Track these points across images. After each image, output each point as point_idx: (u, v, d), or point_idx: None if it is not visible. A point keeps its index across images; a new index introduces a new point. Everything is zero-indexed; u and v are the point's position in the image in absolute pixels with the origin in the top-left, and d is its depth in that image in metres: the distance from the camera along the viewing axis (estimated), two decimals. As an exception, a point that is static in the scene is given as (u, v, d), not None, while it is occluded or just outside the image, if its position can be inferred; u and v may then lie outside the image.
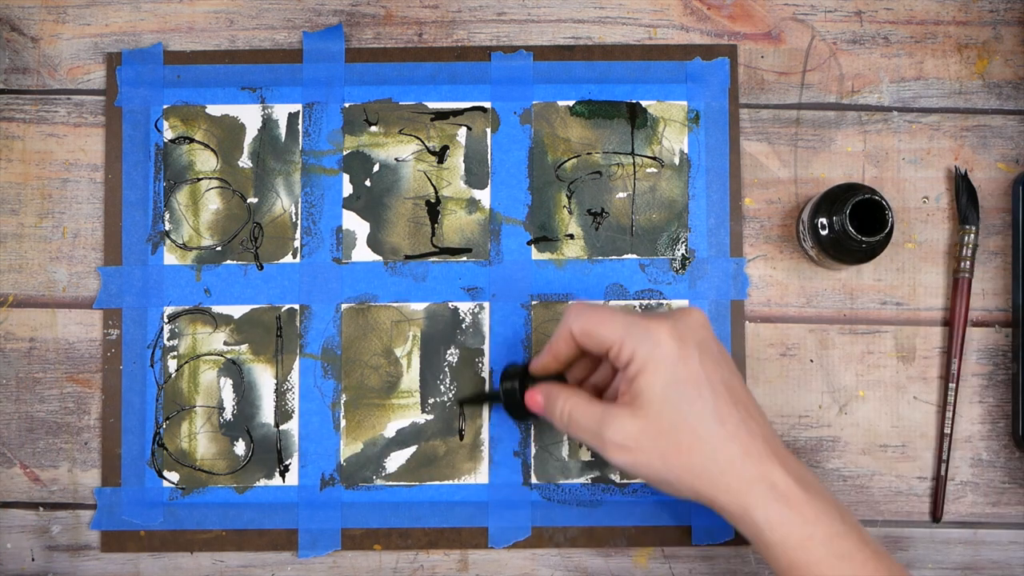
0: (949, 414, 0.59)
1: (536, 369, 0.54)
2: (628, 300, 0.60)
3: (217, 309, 0.60)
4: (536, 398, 0.52)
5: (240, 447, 0.60)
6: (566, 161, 0.61)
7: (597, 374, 0.55)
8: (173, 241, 0.61)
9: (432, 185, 0.61)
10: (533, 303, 0.60)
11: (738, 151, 0.61)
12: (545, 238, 0.61)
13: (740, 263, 0.60)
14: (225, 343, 0.60)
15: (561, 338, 0.51)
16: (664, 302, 0.60)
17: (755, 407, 0.49)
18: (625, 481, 0.60)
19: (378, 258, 0.61)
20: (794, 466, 0.47)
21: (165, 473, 0.60)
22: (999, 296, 0.61)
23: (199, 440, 0.60)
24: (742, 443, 0.47)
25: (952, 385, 0.59)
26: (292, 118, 0.61)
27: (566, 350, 0.52)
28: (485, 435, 0.60)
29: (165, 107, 0.61)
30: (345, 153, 0.61)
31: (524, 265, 0.60)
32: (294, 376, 0.60)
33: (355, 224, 0.61)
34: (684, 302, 0.60)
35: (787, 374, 0.60)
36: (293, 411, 0.60)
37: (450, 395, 0.60)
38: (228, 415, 0.60)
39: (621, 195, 0.61)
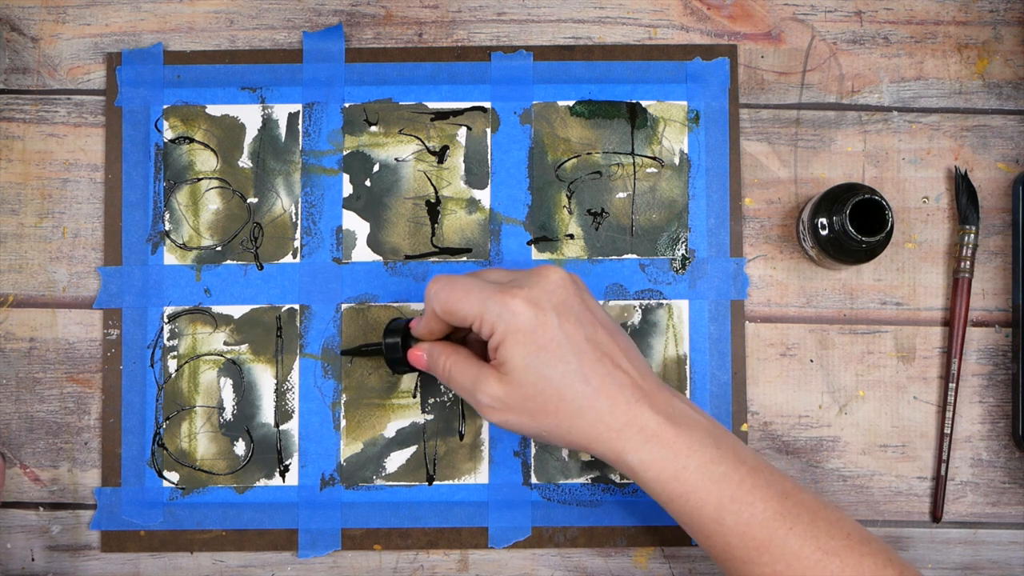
0: (949, 414, 0.59)
1: (417, 335, 0.55)
2: (628, 300, 0.60)
3: (217, 309, 0.60)
4: (418, 355, 0.54)
5: (240, 447, 0.60)
6: (566, 161, 0.61)
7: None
8: (173, 241, 0.61)
9: (432, 185, 0.61)
10: (533, 303, 0.60)
11: (738, 151, 0.61)
12: (545, 238, 0.61)
13: (740, 263, 0.60)
14: (225, 343, 0.60)
15: (429, 317, 0.53)
16: (664, 302, 0.60)
17: (622, 353, 0.50)
18: (625, 481, 0.60)
19: (378, 258, 0.61)
20: (664, 404, 0.49)
21: (165, 473, 0.60)
22: (999, 296, 0.61)
23: (199, 440, 0.60)
24: (609, 396, 0.49)
25: (952, 385, 0.59)
26: (292, 118, 0.61)
27: (438, 326, 0.53)
28: (485, 435, 0.60)
29: (165, 107, 0.61)
30: (345, 153, 0.61)
31: (524, 265, 0.60)
32: (294, 376, 0.60)
33: (355, 224, 0.61)
34: (684, 302, 0.60)
35: (787, 374, 0.60)
36: (293, 411, 0.60)
37: (450, 395, 0.60)
38: (228, 415, 0.60)
39: (621, 195, 0.61)
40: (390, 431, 0.60)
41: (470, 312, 0.50)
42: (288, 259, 0.61)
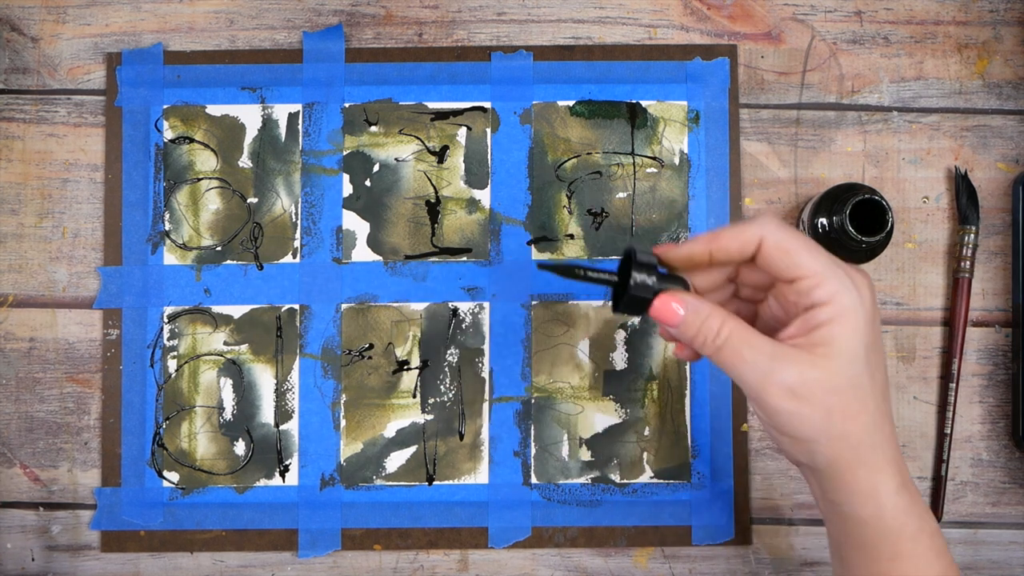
0: (949, 414, 0.59)
1: (671, 255, 0.45)
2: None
3: (217, 309, 0.60)
4: (674, 307, 0.44)
5: (240, 447, 0.60)
6: (566, 161, 0.61)
7: (717, 294, 0.48)
8: (173, 241, 0.61)
9: (432, 185, 0.61)
10: (533, 303, 0.60)
11: (738, 151, 0.61)
12: (545, 238, 0.61)
13: (740, 263, 0.60)
14: (225, 343, 0.60)
15: (740, 236, 0.43)
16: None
17: (887, 384, 0.46)
18: (625, 481, 0.60)
19: (378, 258, 0.61)
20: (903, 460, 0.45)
21: (165, 473, 0.60)
22: (999, 296, 0.61)
23: (199, 440, 0.60)
24: (890, 424, 0.44)
25: (952, 385, 0.59)
26: (292, 118, 0.61)
27: (734, 251, 0.44)
28: (485, 435, 0.60)
29: (165, 107, 0.61)
30: (345, 153, 0.61)
31: (524, 265, 0.60)
32: (294, 376, 0.60)
33: (355, 224, 0.61)
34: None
35: (787, 374, 0.60)
36: (293, 411, 0.60)
37: (450, 395, 0.60)
38: (228, 415, 0.60)
39: (621, 195, 0.61)
40: (390, 431, 0.60)
41: (812, 266, 0.42)
42: (288, 259, 0.61)
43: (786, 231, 0.43)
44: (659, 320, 0.44)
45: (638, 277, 0.43)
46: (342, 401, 0.60)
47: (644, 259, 0.44)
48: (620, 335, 0.60)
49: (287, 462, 0.60)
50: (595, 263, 0.60)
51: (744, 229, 0.44)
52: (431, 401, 0.60)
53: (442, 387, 0.60)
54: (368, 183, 0.61)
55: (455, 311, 0.60)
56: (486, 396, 0.60)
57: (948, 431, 0.59)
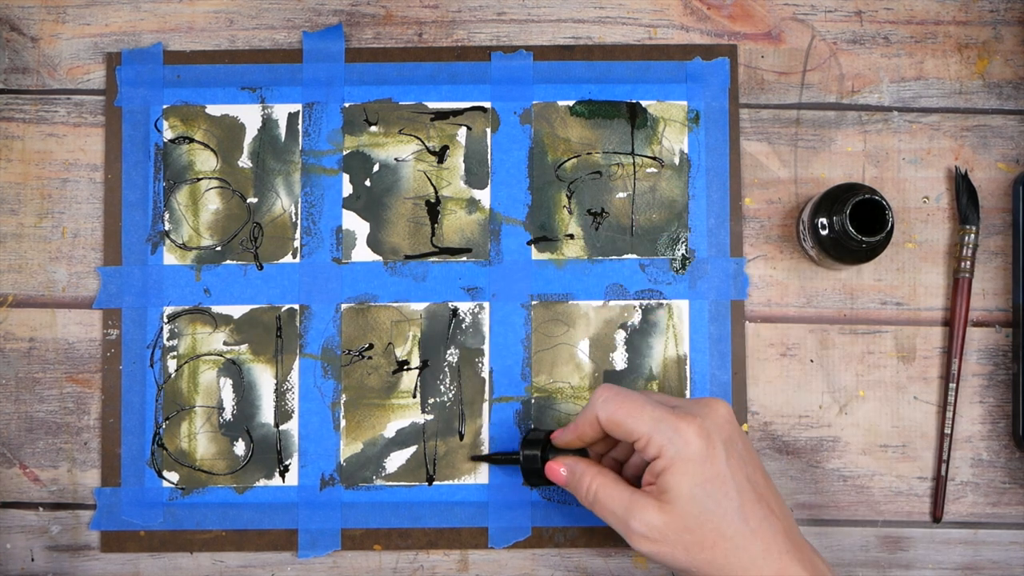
0: (949, 414, 0.59)
1: (559, 443, 0.54)
2: (628, 300, 0.60)
3: (217, 309, 0.60)
4: (558, 470, 0.54)
5: (240, 447, 0.60)
6: (566, 161, 0.61)
7: (618, 450, 0.55)
8: (173, 241, 0.61)
9: (432, 185, 0.61)
10: (533, 303, 0.60)
11: (738, 151, 0.61)
12: (545, 238, 0.61)
13: (740, 263, 0.60)
14: (225, 343, 0.60)
15: (587, 421, 0.52)
16: (664, 302, 0.60)
17: (776, 500, 0.50)
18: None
19: (378, 258, 0.61)
20: (809, 558, 0.49)
21: (165, 473, 0.60)
22: (999, 296, 0.61)
23: (199, 440, 0.60)
24: (763, 540, 0.48)
25: (952, 385, 0.59)
26: (292, 118, 0.61)
27: (591, 432, 0.52)
28: (485, 435, 0.60)
29: (165, 107, 0.61)
30: (345, 153, 0.61)
31: (524, 265, 0.60)
32: (294, 376, 0.60)
33: (355, 224, 0.61)
34: (684, 302, 0.60)
35: (787, 374, 0.60)
36: (293, 411, 0.60)
37: (450, 395, 0.60)
38: (228, 415, 0.60)
39: (621, 195, 0.61)
40: (390, 431, 0.60)
41: (639, 429, 0.49)
42: (288, 259, 0.61)
43: (614, 402, 0.50)
44: (555, 481, 0.54)
45: (526, 452, 0.56)
46: (342, 401, 0.60)
47: (533, 437, 0.56)
48: (620, 335, 0.60)
49: (287, 462, 0.60)
50: (594, 263, 0.60)
51: (587, 414, 0.52)
52: (431, 401, 0.60)
53: (442, 387, 0.60)
54: (368, 183, 0.61)
55: (455, 311, 0.60)
56: (486, 396, 0.60)
57: (948, 431, 0.59)
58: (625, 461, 0.55)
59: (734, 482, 0.48)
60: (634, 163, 0.61)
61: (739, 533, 0.48)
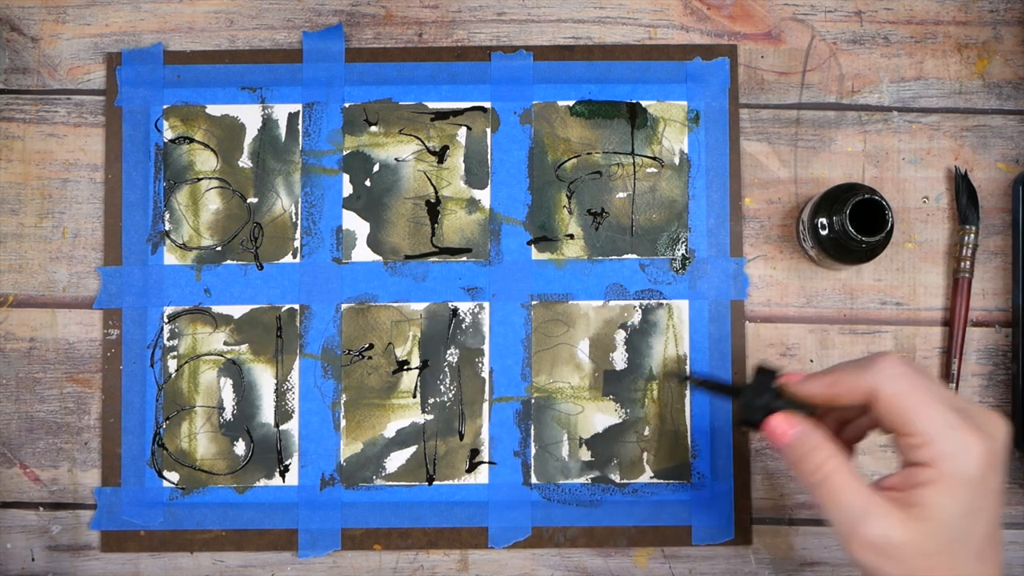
0: (949, 414, 0.59)
1: (794, 392, 0.46)
2: (628, 300, 0.60)
3: (217, 309, 0.60)
4: (787, 431, 0.45)
5: (240, 447, 0.60)
6: (566, 161, 0.61)
7: (849, 410, 0.48)
8: (173, 241, 0.61)
9: (432, 185, 0.61)
10: (533, 303, 0.60)
11: (738, 151, 0.61)
12: (545, 238, 0.61)
13: (740, 263, 0.60)
14: (225, 343, 0.60)
15: (853, 386, 0.44)
16: (664, 302, 0.60)
17: (999, 538, 0.43)
18: (625, 481, 0.60)
19: (378, 258, 0.61)
20: None
21: (165, 473, 0.60)
22: (999, 296, 0.61)
23: (199, 440, 0.60)
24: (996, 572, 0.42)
25: (952, 385, 0.59)
26: (292, 118, 0.61)
27: (848, 398, 0.44)
28: (485, 435, 0.60)
29: (165, 107, 0.61)
30: (345, 153, 0.61)
31: (524, 265, 0.60)
32: (294, 376, 0.60)
33: (355, 224, 0.61)
34: (684, 302, 0.60)
35: (787, 374, 0.60)
36: (293, 411, 0.60)
37: (450, 395, 0.60)
38: (228, 415, 0.60)
39: (621, 195, 0.61)
40: (390, 431, 0.60)
41: (924, 428, 0.41)
42: (288, 259, 0.61)
43: (904, 384, 0.42)
44: (768, 437, 0.45)
45: (748, 393, 0.46)
46: (342, 401, 0.60)
47: (759, 374, 0.47)
48: (620, 335, 0.60)
49: (287, 462, 0.60)
50: (594, 263, 0.60)
51: (859, 379, 0.43)
52: (431, 401, 0.60)
53: (442, 387, 0.60)
54: (368, 183, 0.61)
55: (455, 311, 0.60)
56: (486, 396, 0.60)
57: (948, 431, 0.59)
58: (848, 422, 0.48)
59: (993, 521, 0.42)
60: (634, 163, 0.61)
61: (970, 574, 0.42)
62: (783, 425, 0.45)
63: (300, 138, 0.61)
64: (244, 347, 0.60)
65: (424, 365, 0.60)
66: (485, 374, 0.60)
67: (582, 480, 0.60)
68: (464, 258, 0.61)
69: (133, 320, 0.60)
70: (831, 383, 0.44)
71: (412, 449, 0.60)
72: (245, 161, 0.61)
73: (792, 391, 0.46)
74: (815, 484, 0.43)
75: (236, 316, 0.60)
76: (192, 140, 0.61)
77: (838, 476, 0.43)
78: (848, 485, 0.42)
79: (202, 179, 0.61)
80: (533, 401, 0.60)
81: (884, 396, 0.42)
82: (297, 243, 0.61)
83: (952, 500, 0.41)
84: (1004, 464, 0.42)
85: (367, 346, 0.60)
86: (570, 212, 0.61)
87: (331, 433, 0.60)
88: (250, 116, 0.61)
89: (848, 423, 0.48)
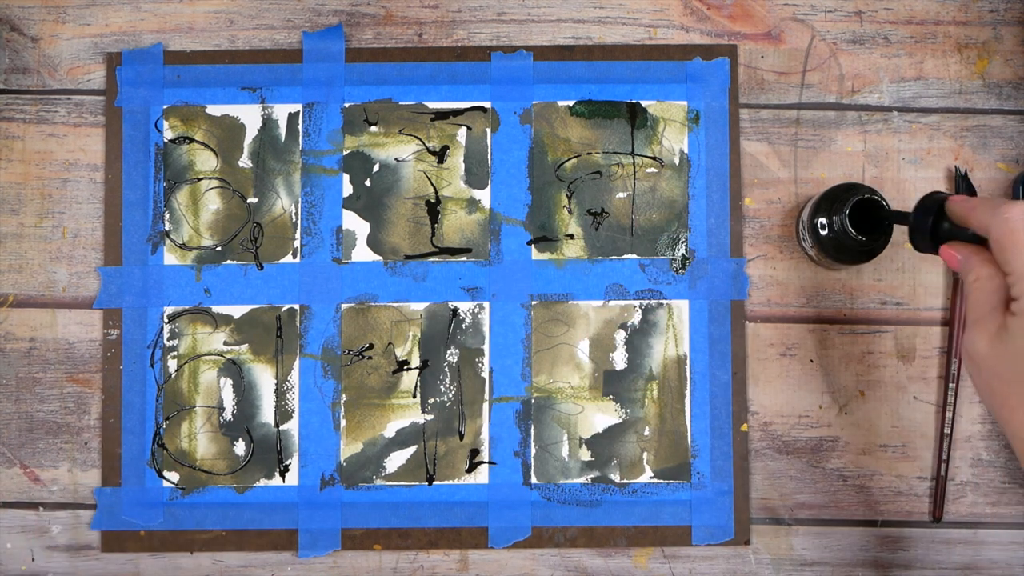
0: (949, 414, 0.59)
1: (951, 212, 0.49)
2: (628, 300, 0.60)
3: (217, 309, 0.60)
4: (955, 256, 0.49)
5: (240, 447, 0.60)
6: (566, 161, 0.61)
7: None
8: (173, 241, 0.61)
9: (432, 185, 0.61)
10: (533, 303, 0.60)
11: (738, 151, 0.61)
12: (545, 238, 0.61)
13: (740, 263, 0.60)
14: (225, 343, 0.60)
15: (980, 221, 0.47)
16: (664, 302, 0.60)
17: None
18: (625, 481, 0.60)
19: (378, 258, 0.61)
20: None
21: (165, 473, 0.60)
22: (999, 296, 0.60)
23: (199, 440, 0.60)
24: None
25: (952, 385, 0.59)
26: (292, 118, 0.61)
27: (976, 225, 0.47)
28: (485, 435, 0.60)
29: (165, 107, 0.61)
30: (345, 153, 0.61)
31: (524, 265, 0.60)
32: (294, 376, 0.60)
33: (355, 224, 0.61)
34: (684, 302, 0.60)
35: (787, 374, 0.60)
36: (293, 411, 0.60)
37: (450, 395, 0.60)
38: (228, 415, 0.60)
39: (621, 195, 0.61)
40: (390, 431, 0.60)
41: (1016, 268, 0.45)
42: (288, 259, 0.61)
43: (1007, 227, 0.45)
44: (947, 262, 0.50)
45: (918, 216, 0.49)
46: (342, 401, 0.60)
47: (929, 201, 0.49)
48: (620, 335, 0.60)
49: (287, 462, 0.60)
50: (594, 263, 0.60)
51: (984, 215, 0.47)
52: (431, 401, 0.60)
53: (442, 387, 0.60)
54: (368, 183, 0.61)
55: (455, 311, 0.60)
56: (486, 396, 0.60)
57: (948, 431, 0.59)
58: None
59: None
60: (634, 163, 0.61)
61: None
62: (951, 252, 0.49)
63: (300, 138, 0.61)
64: (244, 347, 0.60)
65: (424, 365, 0.60)
66: (485, 374, 0.60)
67: (582, 480, 0.60)
68: (464, 258, 0.61)
69: (133, 320, 0.60)
70: (969, 209, 0.48)
71: (412, 449, 0.60)
72: (245, 161, 0.61)
73: (949, 210, 0.49)
74: (966, 294, 0.48)
75: (236, 316, 0.60)
76: (192, 140, 0.61)
77: (978, 291, 0.47)
78: (981, 299, 0.47)
79: (202, 179, 0.61)
80: (533, 401, 0.60)
81: (993, 237, 0.46)
82: (297, 243, 0.61)
83: None
84: None
85: (367, 346, 0.60)
86: (570, 212, 0.61)
87: (331, 433, 0.60)
88: (250, 116, 0.61)
89: None
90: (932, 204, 0.50)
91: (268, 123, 0.61)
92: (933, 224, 0.49)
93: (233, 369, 0.60)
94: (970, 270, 0.48)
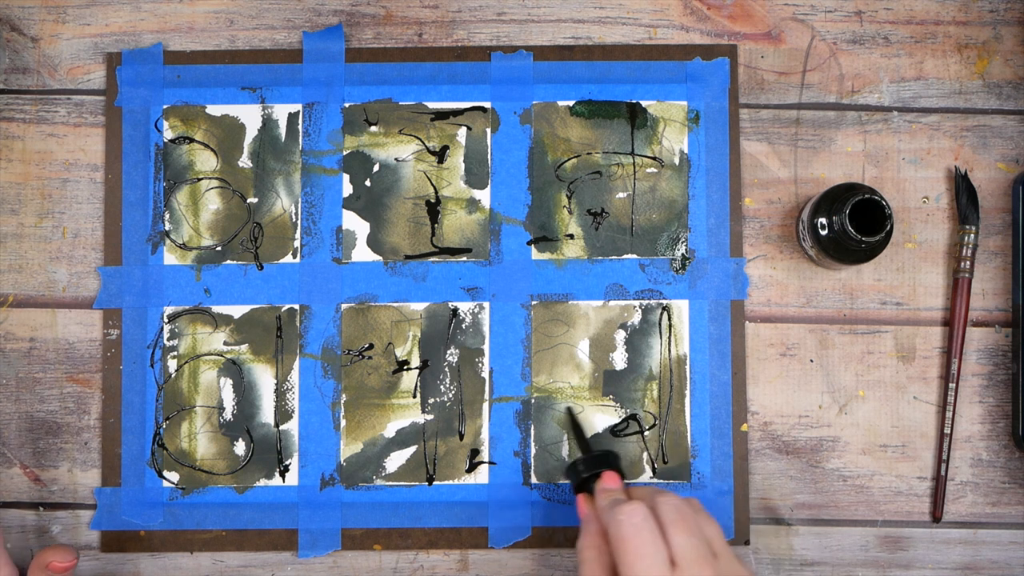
0: (949, 414, 0.59)
1: (597, 491, 0.55)
2: (628, 300, 0.60)
3: (217, 309, 0.60)
4: (581, 504, 0.55)
5: (240, 447, 0.60)
6: (566, 161, 0.61)
7: None
8: (173, 241, 0.61)
9: (432, 185, 0.61)
10: (533, 303, 0.60)
11: (738, 151, 0.61)
12: (545, 238, 0.61)
13: (740, 263, 0.60)
14: (225, 343, 0.60)
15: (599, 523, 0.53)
16: (664, 302, 0.60)
17: None
18: (625, 481, 0.60)
19: (378, 258, 0.61)
20: None
21: (165, 473, 0.60)
22: (999, 296, 0.61)
23: (199, 440, 0.60)
24: None
25: (952, 385, 0.59)
26: (292, 118, 0.61)
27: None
28: (485, 435, 0.60)
29: (165, 107, 0.61)
30: (345, 153, 0.61)
31: (524, 265, 0.61)
32: (294, 376, 0.60)
33: (355, 224, 0.61)
34: (684, 302, 0.60)
35: (787, 374, 0.60)
36: (293, 411, 0.60)
37: (450, 395, 0.60)
38: (228, 415, 0.60)
39: (621, 195, 0.61)
40: (390, 431, 0.60)
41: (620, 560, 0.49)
42: (288, 259, 0.61)
43: (620, 531, 0.49)
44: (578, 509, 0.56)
45: (581, 466, 0.56)
46: (342, 401, 0.60)
47: (600, 456, 0.57)
48: (620, 335, 0.60)
49: (287, 462, 0.60)
50: (594, 263, 0.60)
51: (603, 513, 0.52)
52: (431, 401, 0.60)
53: (442, 387, 0.60)
54: (368, 183, 0.61)
55: (455, 311, 0.60)
56: (486, 396, 0.60)
57: (948, 431, 0.59)
58: None
59: None
60: (634, 163, 0.61)
61: None
62: (581, 501, 0.55)
63: (300, 138, 0.61)
64: (244, 347, 0.60)
65: (424, 365, 0.60)
66: (485, 374, 0.60)
67: (582, 480, 0.60)
68: (464, 258, 0.61)
69: (133, 320, 0.60)
70: (599, 503, 0.53)
71: (412, 449, 0.60)
72: (245, 161, 0.61)
73: (598, 488, 0.55)
74: (578, 560, 0.52)
75: (236, 316, 0.60)
76: (192, 140, 0.61)
77: (587, 557, 0.51)
78: (587, 572, 0.50)
79: (202, 179, 0.61)
80: (533, 401, 0.60)
81: (611, 534, 0.50)
82: (297, 243, 0.61)
83: None
84: None
85: (367, 346, 0.60)
86: (570, 212, 0.61)
87: (331, 433, 0.60)
88: (250, 116, 0.61)
89: None
90: (596, 462, 0.56)
91: (268, 123, 0.61)
92: (579, 483, 0.55)
93: (233, 369, 0.60)
94: (586, 535, 0.52)
